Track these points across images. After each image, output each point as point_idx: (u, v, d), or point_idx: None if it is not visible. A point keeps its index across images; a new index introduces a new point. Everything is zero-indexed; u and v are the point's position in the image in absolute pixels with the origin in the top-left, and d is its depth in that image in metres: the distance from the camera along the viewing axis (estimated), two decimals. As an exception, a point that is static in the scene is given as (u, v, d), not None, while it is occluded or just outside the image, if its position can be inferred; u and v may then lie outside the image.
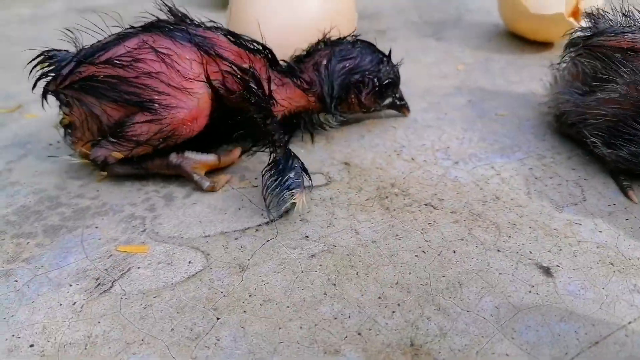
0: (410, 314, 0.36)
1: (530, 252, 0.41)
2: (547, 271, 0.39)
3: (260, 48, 0.51)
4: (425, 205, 0.47)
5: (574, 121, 0.51)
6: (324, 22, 0.59)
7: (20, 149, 0.57)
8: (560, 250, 0.41)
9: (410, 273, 0.40)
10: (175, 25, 0.48)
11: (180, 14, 0.51)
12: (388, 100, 0.57)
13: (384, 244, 0.42)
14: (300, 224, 0.45)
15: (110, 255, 0.42)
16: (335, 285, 0.39)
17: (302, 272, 0.40)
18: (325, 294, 0.38)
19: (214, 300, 0.38)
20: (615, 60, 0.48)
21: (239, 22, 0.63)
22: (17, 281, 0.40)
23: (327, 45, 0.55)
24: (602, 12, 0.55)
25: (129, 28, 0.49)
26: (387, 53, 0.56)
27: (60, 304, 0.38)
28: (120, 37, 0.47)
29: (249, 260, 0.41)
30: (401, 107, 0.59)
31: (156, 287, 0.39)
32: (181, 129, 0.47)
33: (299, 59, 0.55)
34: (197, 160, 0.49)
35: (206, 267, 0.41)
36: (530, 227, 0.44)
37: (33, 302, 0.38)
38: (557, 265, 0.40)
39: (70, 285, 0.39)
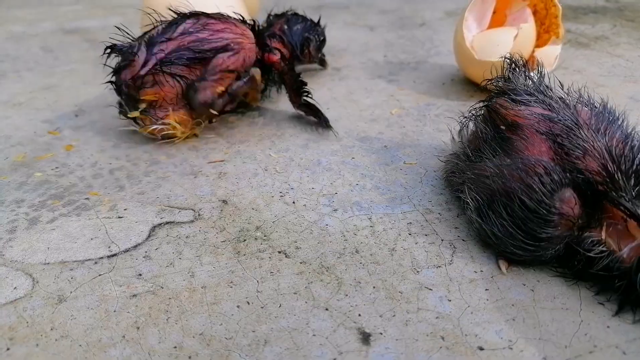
0: (190, 369, 0.34)
1: (359, 315, 0.38)
2: (366, 338, 0.36)
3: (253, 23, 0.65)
4: (279, 252, 0.45)
5: (458, 187, 0.48)
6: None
7: None
8: (394, 316, 0.38)
9: (221, 324, 0.37)
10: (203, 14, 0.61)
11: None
12: (321, 54, 0.78)
13: (213, 291, 0.40)
14: (141, 261, 0.44)
15: (-57, 274, 0.42)
16: (138, 328, 0.37)
17: (115, 311, 0.39)
18: (123, 337, 0.36)
19: (15, 330, 0.37)
20: (500, 132, 0.45)
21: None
22: None
23: (278, 17, 0.74)
24: (521, 63, 0.52)
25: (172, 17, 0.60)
26: (316, 20, 0.78)
27: None
28: (172, 22, 0.58)
29: (71, 293, 0.40)
30: (324, 62, 0.81)
31: (-35, 312, 0.38)
32: (250, 57, 0.61)
33: (266, 29, 0.72)
34: (258, 72, 0.64)
35: (27, 295, 0.40)
36: (374, 287, 0.41)
37: None
38: (381, 333, 0.37)
39: None
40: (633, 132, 0.44)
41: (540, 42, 0.77)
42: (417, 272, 0.42)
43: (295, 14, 0.77)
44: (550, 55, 0.73)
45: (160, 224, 0.48)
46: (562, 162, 0.41)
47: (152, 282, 0.41)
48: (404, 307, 0.39)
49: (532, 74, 0.49)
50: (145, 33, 0.58)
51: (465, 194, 0.46)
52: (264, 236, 0.46)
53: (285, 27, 0.74)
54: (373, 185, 0.54)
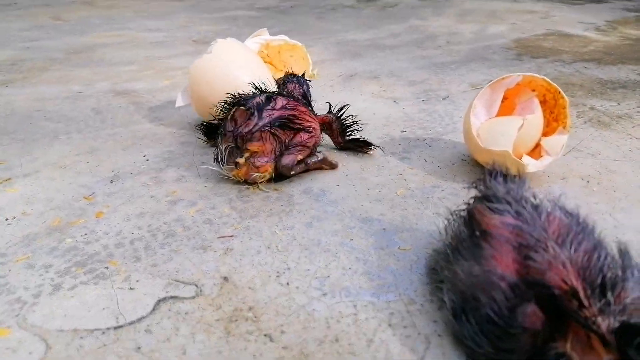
0: None
1: (326, 405, 0.42)
2: None
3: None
4: (265, 335, 0.49)
5: (437, 284, 0.52)
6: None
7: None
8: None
9: (200, 403, 0.42)
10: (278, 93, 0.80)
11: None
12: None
13: (199, 369, 0.45)
14: (142, 334, 0.49)
15: (-25, 334, 0.49)
16: (128, 401, 0.42)
17: (111, 382, 0.44)
18: (114, 408, 0.41)
19: (25, 394, 0.43)
20: (475, 237, 0.48)
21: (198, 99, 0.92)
22: None
23: (287, 80, 0.88)
24: (501, 171, 0.55)
25: (264, 93, 0.78)
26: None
27: None
28: (269, 97, 0.75)
29: (78, 361, 0.46)
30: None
31: (-13, 372, 0.45)
32: (319, 139, 0.80)
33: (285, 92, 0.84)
34: (327, 155, 0.80)
35: (40, 361, 0.46)
36: (344, 378, 0.44)
37: None
38: None
39: None
40: (602, 241, 0.46)
41: (549, 129, 0.79)
42: (388, 365, 0.45)
43: (292, 74, 0.90)
44: (556, 144, 0.75)
45: (165, 298, 0.54)
46: (527, 275, 0.44)
47: (148, 357, 0.46)
48: (369, 401, 0.42)
49: (513, 181, 0.52)
50: (248, 99, 0.76)
51: (443, 292, 0.49)
52: (255, 317, 0.51)
53: (300, 88, 0.87)
54: (365, 271, 0.57)
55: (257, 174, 0.73)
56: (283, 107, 0.74)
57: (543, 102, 0.79)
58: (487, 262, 0.45)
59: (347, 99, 1.12)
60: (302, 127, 0.75)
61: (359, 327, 0.50)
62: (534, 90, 0.79)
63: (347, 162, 0.83)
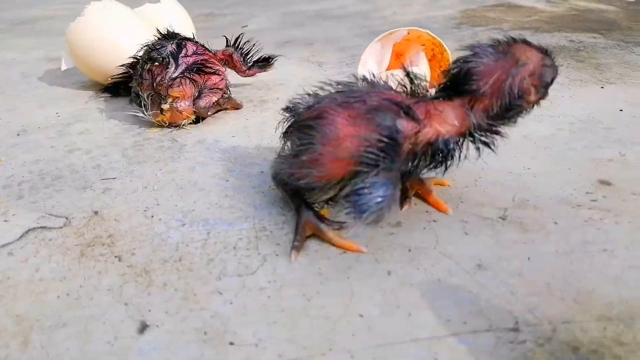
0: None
1: (150, 310, 0.46)
2: (143, 328, 0.44)
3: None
4: (116, 257, 0.53)
5: (287, 181, 0.56)
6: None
7: None
8: (177, 312, 0.46)
9: (37, 309, 0.46)
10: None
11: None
12: None
13: (47, 283, 0.49)
14: (4, 257, 0.53)
15: None
16: (-28, 308, 0.46)
17: (-39, 294, 0.48)
18: (-43, 314, 0.46)
19: None
20: (311, 126, 0.53)
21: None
22: None
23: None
24: (296, 100, 0.60)
25: (173, 40, 0.84)
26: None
27: None
28: (179, 45, 0.82)
29: (-63, 278, 0.50)
30: None
31: None
32: (227, 80, 0.86)
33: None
34: (233, 97, 0.90)
35: None
36: (175, 289, 0.49)
37: None
38: (157, 326, 0.45)
39: None
40: None
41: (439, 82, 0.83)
42: (220, 279, 0.50)
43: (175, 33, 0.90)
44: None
45: (34, 228, 0.58)
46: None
47: (3, 274, 0.51)
48: (190, 307, 0.47)
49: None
50: (160, 48, 0.81)
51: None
52: (111, 243, 0.55)
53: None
54: (229, 205, 0.62)
55: (184, 120, 0.80)
56: (195, 53, 0.81)
57: (433, 57, 0.83)
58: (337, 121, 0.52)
59: (272, 63, 1.15)
60: (213, 70, 0.82)
61: (205, 250, 0.54)
62: (423, 45, 0.82)
63: (250, 116, 0.87)
